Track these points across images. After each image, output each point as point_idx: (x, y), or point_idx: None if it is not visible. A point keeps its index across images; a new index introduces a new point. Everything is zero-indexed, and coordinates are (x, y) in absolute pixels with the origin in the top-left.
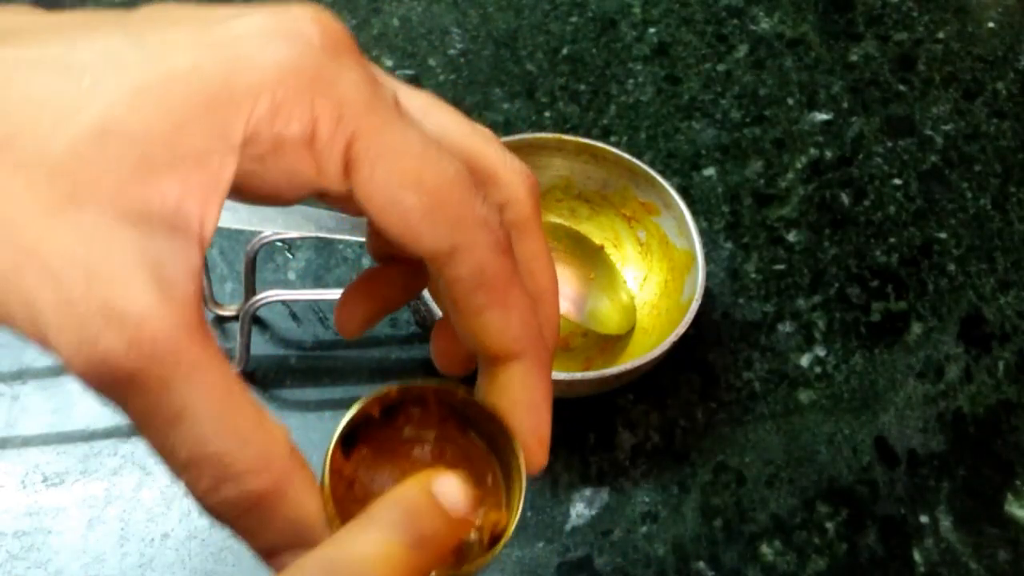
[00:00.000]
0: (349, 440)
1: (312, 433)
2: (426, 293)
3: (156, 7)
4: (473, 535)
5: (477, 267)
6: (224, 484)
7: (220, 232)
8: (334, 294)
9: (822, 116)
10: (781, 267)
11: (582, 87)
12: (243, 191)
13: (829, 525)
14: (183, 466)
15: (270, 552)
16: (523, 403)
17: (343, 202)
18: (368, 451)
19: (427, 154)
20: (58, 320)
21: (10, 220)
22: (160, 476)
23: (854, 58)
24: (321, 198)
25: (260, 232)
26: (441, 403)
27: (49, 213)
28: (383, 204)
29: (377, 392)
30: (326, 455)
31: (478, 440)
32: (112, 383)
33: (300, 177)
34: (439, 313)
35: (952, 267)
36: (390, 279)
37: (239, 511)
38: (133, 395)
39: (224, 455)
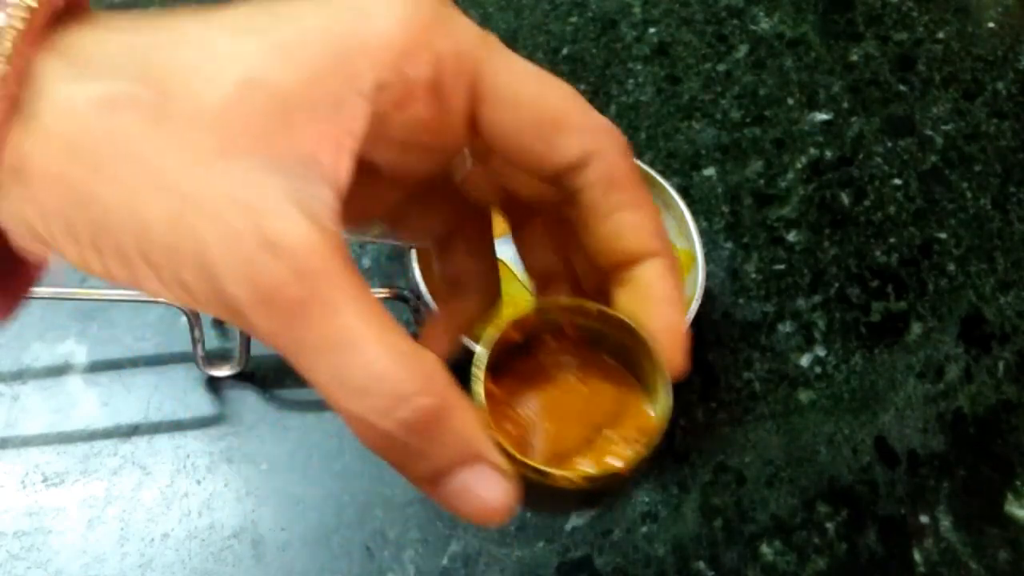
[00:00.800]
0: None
1: (312, 433)
2: (425, 292)
3: None
4: (627, 449)
5: (609, 169)
6: (399, 405)
7: None
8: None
9: (822, 116)
10: (781, 267)
11: (582, 87)
12: (375, 159)
13: (829, 525)
14: (355, 392)
15: (436, 475)
16: (663, 299)
17: (420, 216)
18: (511, 376)
19: (542, 74)
20: (226, 257)
21: (170, 170)
22: (160, 476)
23: (854, 58)
24: (397, 222)
25: None
26: (575, 324)
27: (203, 162)
28: (516, 126)
29: (513, 317)
30: (476, 380)
31: (613, 358)
32: (282, 312)
33: (428, 136)
34: (437, 310)
35: (952, 267)
36: (465, 304)
37: (412, 432)
38: (301, 324)
39: (395, 376)
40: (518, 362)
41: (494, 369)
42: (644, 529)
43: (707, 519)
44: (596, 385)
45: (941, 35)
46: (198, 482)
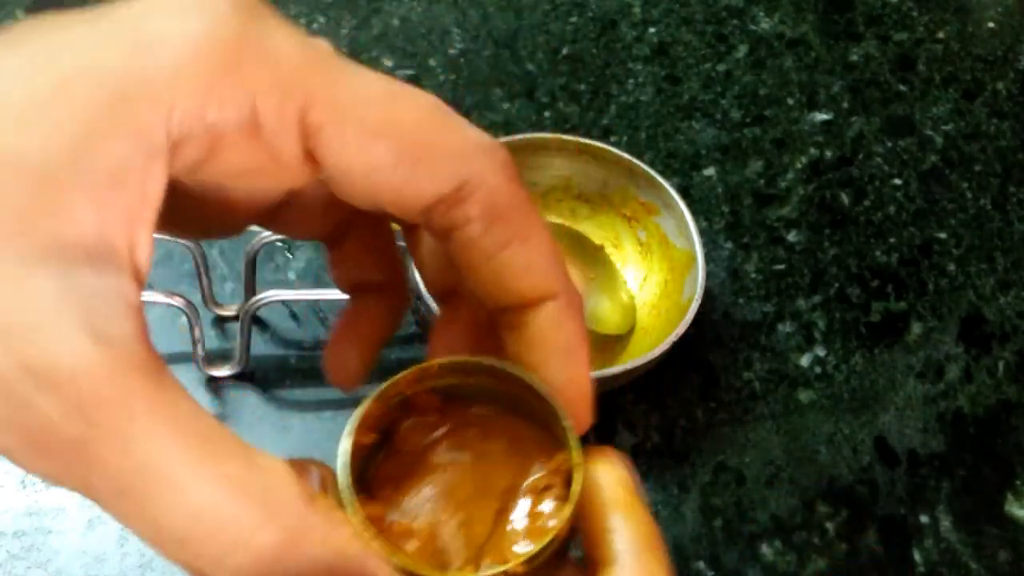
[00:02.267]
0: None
1: (312, 433)
2: (425, 292)
3: (35, 19)
4: (552, 502)
5: (490, 199)
6: (233, 551)
7: None
8: (334, 294)
9: (822, 116)
10: (781, 267)
11: (582, 87)
12: (186, 217)
13: (829, 525)
14: (178, 544)
15: None
16: (560, 349)
17: (298, 220)
18: (383, 483)
19: (394, 92)
20: None
21: None
22: None
23: (854, 58)
24: (269, 222)
25: (260, 232)
26: (426, 390)
27: None
28: (366, 165)
29: (361, 416)
30: (350, 511)
31: (483, 407)
32: (60, 459)
33: (253, 180)
34: (437, 310)
35: (952, 267)
36: (369, 312)
37: (260, 574)
38: (89, 470)
39: (223, 512)
40: (384, 462)
41: (361, 485)
42: None
43: (707, 519)
44: (483, 444)
45: (941, 35)
46: None
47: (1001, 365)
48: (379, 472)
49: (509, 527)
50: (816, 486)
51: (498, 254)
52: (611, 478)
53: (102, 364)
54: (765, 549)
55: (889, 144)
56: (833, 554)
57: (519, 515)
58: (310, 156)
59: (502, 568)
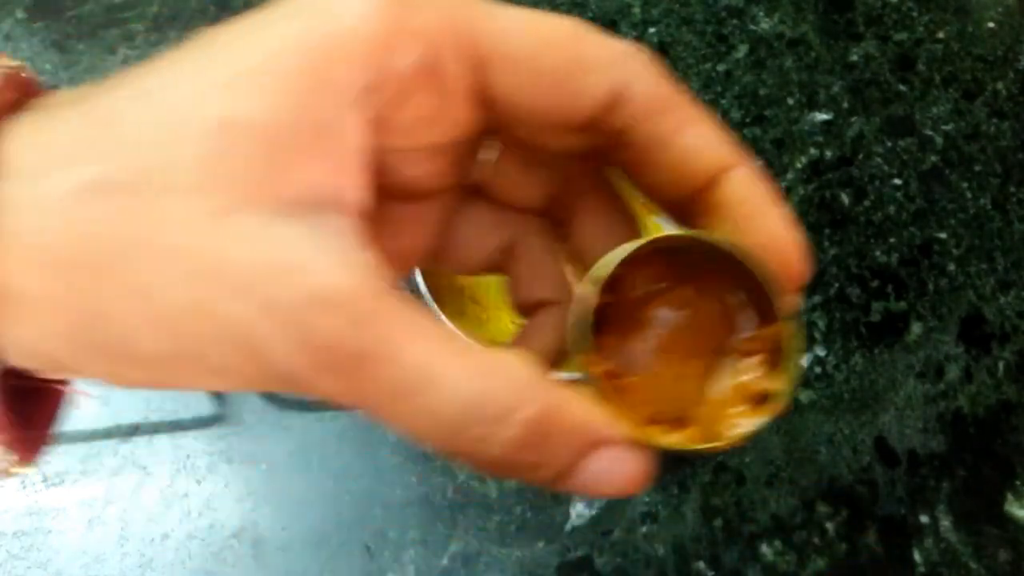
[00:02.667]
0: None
1: (312, 433)
2: (426, 292)
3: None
4: (760, 369)
5: (651, 93)
6: (500, 428)
7: None
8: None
9: (822, 116)
10: None
11: None
12: (391, 180)
13: (829, 525)
14: (451, 429)
15: (561, 477)
16: (761, 207)
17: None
18: (611, 336)
19: (540, 15)
20: (271, 329)
21: (178, 252)
22: (160, 476)
23: (854, 58)
24: (441, 255)
25: None
26: (669, 263)
27: (208, 232)
28: (533, 82)
29: (598, 275)
30: (580, 354)
31: (717, 289)
32: (349, 370)
33: (436, 126)
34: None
35: (952, 267)
36: (541, 330)
37: (524, 449)
38: (372, 376)
39: (486, 398)
40: (606, 321)
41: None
42: (644, 529)
43: (707, 519)
44: (696, 305)
45: (941, 35)
46: (198, 482)
47: (1001, 365)
48: (600, 320)
49: (720, 386)
50: (816, 486)
51: (673, 140)
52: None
53: (366, 287)
54: (765, 549)
55: (889, 144)
56: (833, 554)
57: (728, 374)
58: (481, 97)
59: (725, 442)
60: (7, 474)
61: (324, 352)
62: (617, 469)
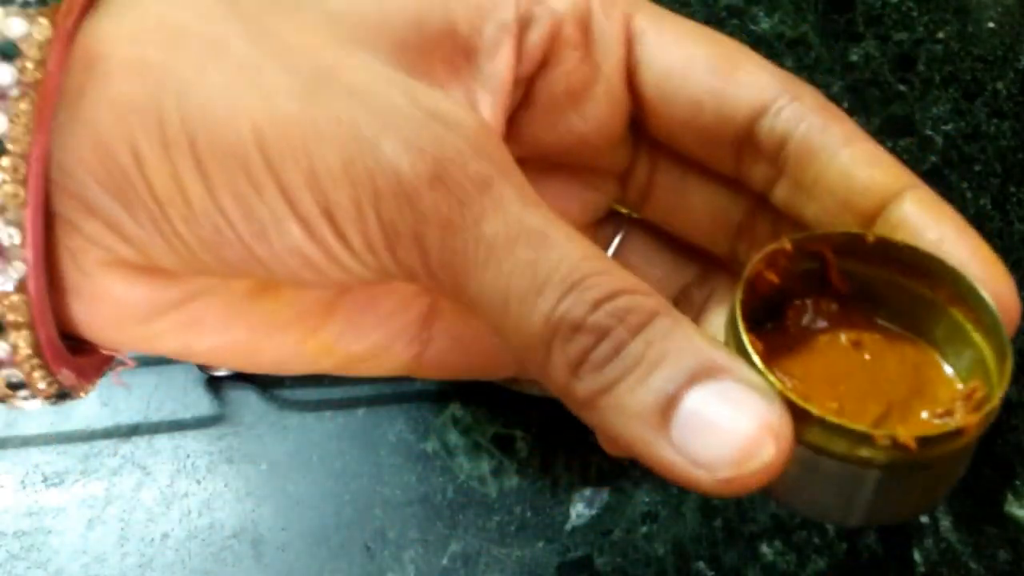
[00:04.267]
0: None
1: (311, 433)
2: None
3: None
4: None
5: (817, 103)
6: (607, 300)
7: None
8: None
9: None
10: None
11: None
12: (522, 126)
13: (829, 525)
14: (554, 287)
15: (662, 402)
16: (953, 223)
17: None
18: (771, 342)
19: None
20: (390, 129)
21: (294, 48)
22: (160, 476)
23: (854, 58)
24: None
25: None
26: (843, 269)
27: (335, 45)
28: (685, 68)
29: (763, 255)
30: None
31: (890, 319)
32: (463, 191)
33: (577, 101)
34: None
35: None
36: None
37: (628, 327)
38: (484, 208)
39: (601, 273)
40: (767, 326)
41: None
42: (644, 529)
43: (707, 519)
44: (878, 350)
45: (941, 35)
46: (198, 482)
47: None
48: (760, 329)
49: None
50: None
51: (842, 149)
52: None
53: (489, 130)
54: (765, 549)
55: (889, 144)
56: (833, 554)
57: (902, 421)
58: (628, 72)
59: (899, 435)
60: (62, 396)
61: (442, 163)
62: (732, 414)
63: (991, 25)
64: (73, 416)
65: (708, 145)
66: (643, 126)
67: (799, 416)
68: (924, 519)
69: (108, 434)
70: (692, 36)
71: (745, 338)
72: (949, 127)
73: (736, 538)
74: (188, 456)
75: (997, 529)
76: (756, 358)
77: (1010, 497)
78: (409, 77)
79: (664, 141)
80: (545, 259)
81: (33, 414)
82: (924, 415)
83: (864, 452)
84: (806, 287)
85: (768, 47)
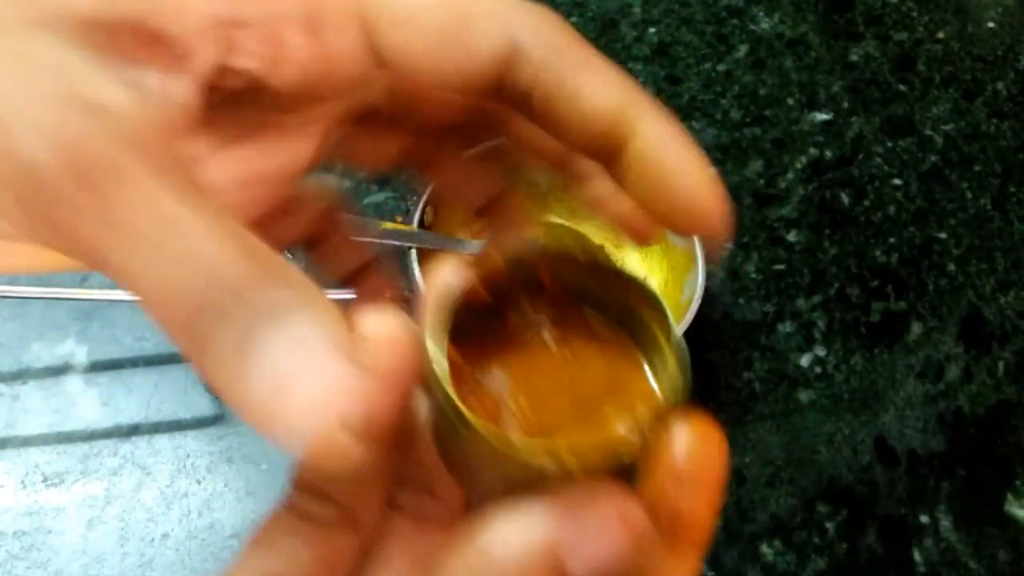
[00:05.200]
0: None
1: None
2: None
3: None
4: (630, 433)
5: (548, 39)
6: (211, 278)
7: None
8: (335, 295)
9: (822, 116)
10: (781, 267)
11: None
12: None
13: (829, 525)
14: (173, 263)
15: (243, 336)
16: (678, 156)
17: (372, 144)
18: (470, 341)
19: None
20: (28, 113)
21: None
22: (160, 476)
23: (854, 58)
24: (347, 149)
25: None
26: (557, 275)
27: (25, 31)
28: (421, 43)
29: (478, 267)
30: (432, 340)
31: (604, 317)
32: (97, 182)
33: (318, 83)
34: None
35: (952, 267)
36: None
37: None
38: (118, 197)
39: (223, 261)
40: (480, 322)
41: (452, 331)
42: None
43: None
44: (584, 351)
45: (941, 35)
46: (198, 482)
47: (1001, 365)
48: (473, 326)
49: (573, 430)
50: (816, 486)
51: (572, 79)
52: (691, 454)
53: (148, 114)
54: (765, 549)
55: (889, 144)
56: (833, 554)
57: (587, 423)
58: (371, 51)
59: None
60: None
61: (77, 154)
62: (326, 393)
63: (991, 25)
64: (73, 416)
65: (455, 102)
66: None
67: (486, 435)
68: (924, 519)
69: (108, 434)
70: (420, 4)
71: (445, 365)
72: (949, 127)
73: (736, 538)
74: (188, 456)
75: (997, 529)
76: (446, 384)
77: (1010, 497)
78: (94, 55)
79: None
80: (169, 245)
81: (33, 414)
82: (612, 423)
83: (535, 464)
84: (519, 286)
85: (768, 47)
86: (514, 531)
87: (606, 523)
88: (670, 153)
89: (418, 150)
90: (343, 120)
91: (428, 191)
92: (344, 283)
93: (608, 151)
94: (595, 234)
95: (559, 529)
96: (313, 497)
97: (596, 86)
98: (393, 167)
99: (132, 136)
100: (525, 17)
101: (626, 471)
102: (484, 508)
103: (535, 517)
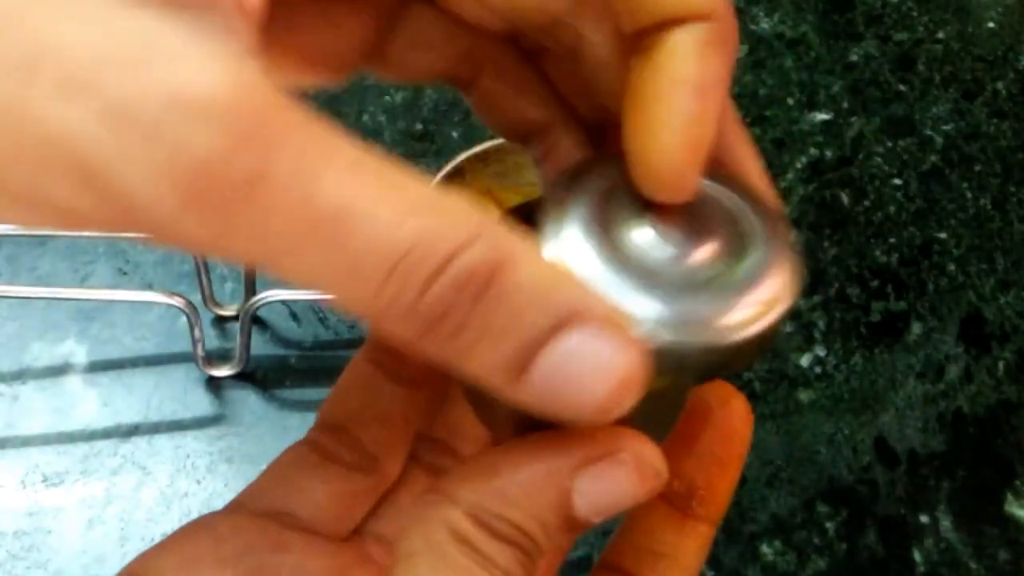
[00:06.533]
0: None
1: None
2: None
3: None
4: None
5: None
6: (448, 266)
7: None
8: None
9: (822, 116)
10: None
11: None
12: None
13: (829, 525)
14: (373, 288)
15: (519, 358)
16: (694, 76)
17: (411, 49)
18: None
19: None
20: (114, 141)
21: (15, 16)
22: (160, 476)
23: (854, 58)
24: (379, 56)
25: None
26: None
27: (30, 4)
28: None
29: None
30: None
31: None
32: (228, 208)
33: None
34: None
35: (952, 267)
36: (553, 158)
37: (466, 295)
38: (257, 213)
39: (421, 231)
40: None
41: None
42: None
43: None
44: None
45: (941, 35)
46: (198, 482)
47: (1001, 365)
48: None
49: None
50: (816, 486)
51: None
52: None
53: (256, 93)
54: (765, 549)
55: (889, 144)
56: (833, 554)
57: None
58: None
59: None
60: None
61: (196, 179)
62: (598, 355)
63: (991, 25)
64: (73, 416)
65: None
66: None
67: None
68: (924, 519)
69: (108, 434)
70: None
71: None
72: (949, 127)
73: (736, 538)
74: (188, 456)
75: (997, 529)
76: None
77: (1010, 497)
78: (143, 8)
79: None
80: (354, 240)
81: (33, 414)
82: None
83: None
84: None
85: (768, 47)
86: (529, 472)
87: (621, 473)
88: (694, 71)
89: (465, 62)
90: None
91: (444, 170)
92: (517, 141)
93: (667, 21)
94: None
95: (573, 474)
96: (340, 439)
97: None
98: (435, 77)
99: (249, 123)
100: None
101: (666, 405)
102: (503, 442)
103: (551, 460)
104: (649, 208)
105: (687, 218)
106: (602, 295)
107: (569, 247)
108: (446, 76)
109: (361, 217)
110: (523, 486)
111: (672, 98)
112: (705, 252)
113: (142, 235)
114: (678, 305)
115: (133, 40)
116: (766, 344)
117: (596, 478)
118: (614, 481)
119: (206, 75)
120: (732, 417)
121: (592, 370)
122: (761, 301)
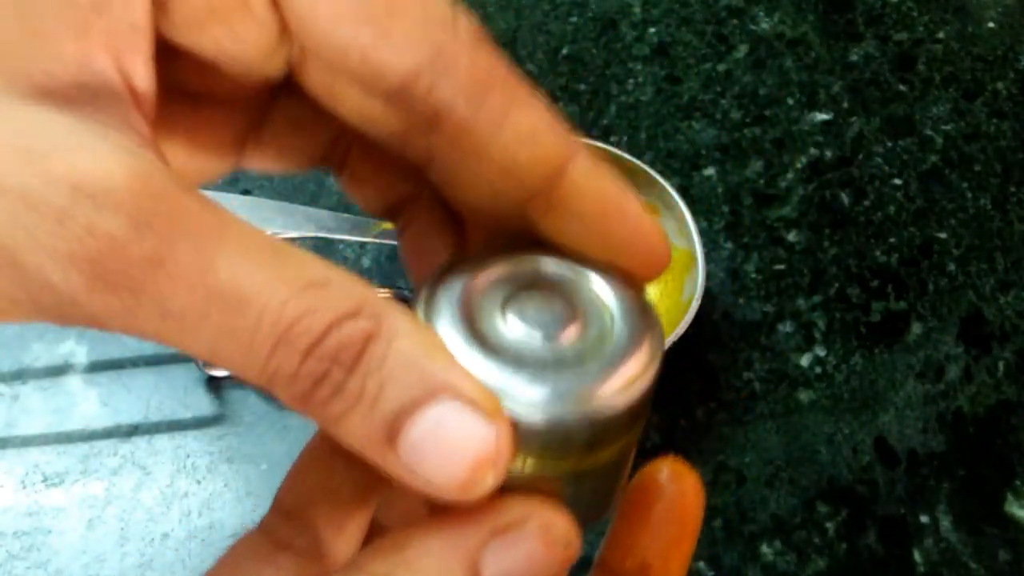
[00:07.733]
0: None
1: (311, 433)
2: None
3: None
4: None
5: (472, 69)
6: (326, 336)
7: None
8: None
9: (822, 116)
10: (781, 267)
11: (582, 87)
12: (182, 79)
13: (829, 525)
14: (263, 358)
15: (384, 427)
16: (609, 194)
17: (284, 139)
18: None
19: None
20: (24, 231)
21: None
22: (160, 476)
23: (854, 58)
24: (255, 148)
25: None
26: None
27: None
28: (330, 13)
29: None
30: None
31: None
32: (130, 286)
33: (223, 27)
34: None
35: (952, 267)
36: (425, 235)
37: (340, 365)
38: (156, 292)
39: (312, 304)
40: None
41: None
42: None
43: (707, 519)
44: None
45: (941, 35)
46: (198, 482)
47: (1001, 365)
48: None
49: None
50: (816, 486)
51: (503, 124)
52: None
53: (152, 182)
54: (765, 549)
55: (889, 144)
56: (833, 554)
57: None
58: (276, 8)
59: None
60: None
61: (105, 260)
62: (460, 429)
63: (991, 25)
64: (73, 416)
65: (360, 100)
66: (295, 71)
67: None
68: (924, 519)
69: (108, 434)
70: None
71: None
72: (949, 127)
73: (736, 538)
74: (188, 456)
75: (997, 529)
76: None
77: (1010, 497)
78: (41, 103)
79: (321, 94)
80: (244, 318)
81: (33, 414)
82: None
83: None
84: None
85: (768, 47)
86: (437, 543)
87: (529, 544)
88: (608, 184)
89: (334, 147)
90: (258, 97)
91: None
92: (385, 216)
93: (540, 181)
94: None
95: (481, 546)
96: (293, 525)
97: (529, 123)
98: (310, 165)
99: (148, 211)
100: (449, 32)
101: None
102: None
103: (459, 531)
104: (512, 298)
105: (548, 303)
106: (473, 375)
107: (441, 335)
108: (321, 161)
109: (251, 295)
110: (432, 556)
111: (618, 221)
112: (571, 332)
113: (60, 319)
114: (550, 383)
115: (34, 132)
116: (642, 411)
117: (503, 549)
118: (521, 552)
119: (105, 165)
120: (685, 495)
121: (454, 444)
122: (630, 371)
